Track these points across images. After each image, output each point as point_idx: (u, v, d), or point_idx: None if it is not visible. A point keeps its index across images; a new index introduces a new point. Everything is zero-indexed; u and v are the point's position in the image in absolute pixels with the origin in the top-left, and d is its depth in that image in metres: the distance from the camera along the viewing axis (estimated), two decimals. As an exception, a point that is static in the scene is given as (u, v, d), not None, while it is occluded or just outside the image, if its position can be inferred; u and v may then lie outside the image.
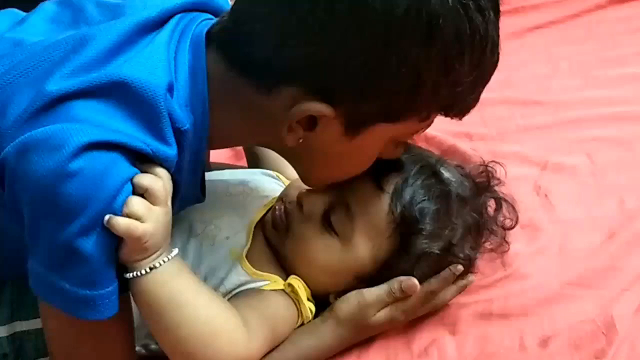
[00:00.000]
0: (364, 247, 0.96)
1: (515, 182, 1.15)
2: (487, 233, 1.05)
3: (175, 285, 0.84)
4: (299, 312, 0.97)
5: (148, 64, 0.81)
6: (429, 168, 0.99)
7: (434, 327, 1.01)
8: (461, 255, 0.99)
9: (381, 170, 0.96)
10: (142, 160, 0.80)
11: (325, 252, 0.97)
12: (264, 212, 1.02)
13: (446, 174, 1.00)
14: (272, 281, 0.97)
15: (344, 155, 0.87)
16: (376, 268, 0.97)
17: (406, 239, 0.95)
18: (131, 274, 0.82)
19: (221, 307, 0.88)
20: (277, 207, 1.00)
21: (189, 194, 0.92)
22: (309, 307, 0.98)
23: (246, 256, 0.98)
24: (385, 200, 0.96)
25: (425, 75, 0.78)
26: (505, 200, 1.06)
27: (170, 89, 0.81)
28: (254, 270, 0.97)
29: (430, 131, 1.07)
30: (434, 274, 0.98)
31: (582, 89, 1.42)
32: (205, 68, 0.84)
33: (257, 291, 0.96)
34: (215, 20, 0.89)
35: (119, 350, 0.88)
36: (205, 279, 0.96)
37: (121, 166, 0.78)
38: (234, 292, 0.97)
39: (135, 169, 0.79)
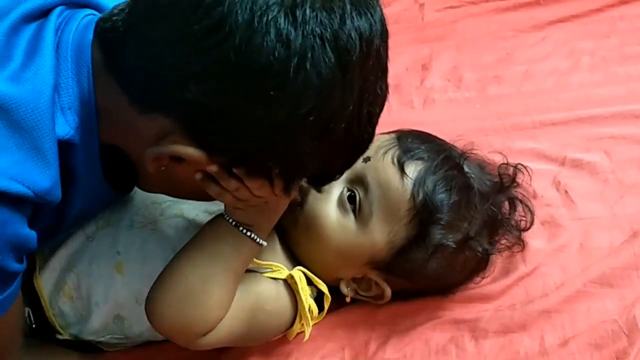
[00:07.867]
0: (380, 231, 0.94)
1: (533, 177, 1.13)
2: (503, 231, 1.03)
3: (234, 257, 0.87)
4: (297, 307, 0.94)
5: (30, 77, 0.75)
6: (452, 160, 0.99)
7: (454, 324, 0.99)
8: (479, 249, 0.97)
9: (404, 155, 0.95)
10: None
11: (339, 232, 0.95)
12: None
13: (468, 169, 1.00)
14: (275, 269, 0.94)
15: (194, 185, 0.82)
16: (391, 254, 0.95)
17: (424, 227, 0.94)
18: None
19: (231, 298, 0.88)
20: None
21: (100, 192, 0.88)
22: (310, 303, 0.95)
23: None
24: (407, 185, 0.94)
25: (306, 159, 0.78)
26: (522, 201, 1.05)
27: (55, 90, 0.76)
28: (256, 261, 0.93)
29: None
30: (449, 268, 0.97)
31: (602, 85, 1.39)
32: (91, 66, 0.78)
33: (255, 273, 0.93)
34: (99, 15, 0.83)
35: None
36: None
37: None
38: None
39: (19, 215, 0.74)
